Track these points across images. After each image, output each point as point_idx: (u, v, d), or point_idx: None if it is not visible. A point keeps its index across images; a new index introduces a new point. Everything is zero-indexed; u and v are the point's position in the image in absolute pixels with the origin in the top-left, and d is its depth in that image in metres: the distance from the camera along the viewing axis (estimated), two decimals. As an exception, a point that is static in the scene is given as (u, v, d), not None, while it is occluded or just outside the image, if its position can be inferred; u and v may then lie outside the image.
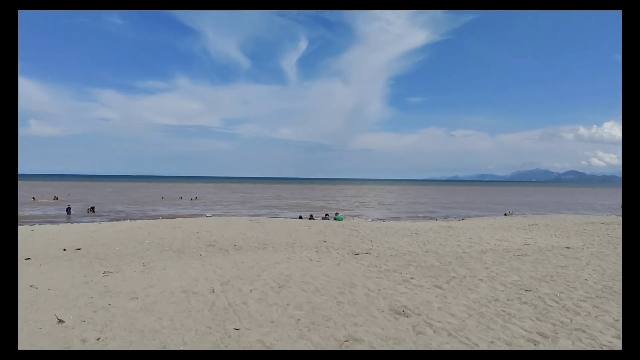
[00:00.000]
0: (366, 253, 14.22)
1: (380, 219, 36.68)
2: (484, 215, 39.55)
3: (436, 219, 33.89)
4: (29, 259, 12.50)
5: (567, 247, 14.92)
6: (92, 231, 18.90)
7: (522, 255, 13.19)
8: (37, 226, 23.20)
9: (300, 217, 33.72)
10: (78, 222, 28.13)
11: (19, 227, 21.29)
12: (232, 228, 20.10)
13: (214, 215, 35.25)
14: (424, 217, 39.24)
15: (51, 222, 28.80)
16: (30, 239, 16.34)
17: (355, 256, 13.58)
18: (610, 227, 21.40)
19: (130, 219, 29.47)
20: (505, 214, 37.95)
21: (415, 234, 19.46)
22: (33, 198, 57.27)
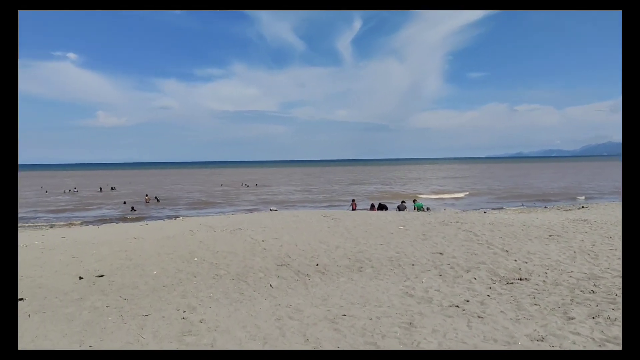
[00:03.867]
0: (519, 279, 9.16)
1: (471, 207, 31.10)
2: (598, 199, 32.88)
3: (546, 207, 27.91)
4: (21, 299, 8.35)
5: None
6: (133, 239, 14.80)
7: None
8: (74, 229, 19.63)
9: (372, 206, 28.76)
10: (127, 222, 24.66)
11: (47, 232, 17.79)
12: (305, 231, 15.45)
13: (278, 209, 30.92)
14: (526, 203, 33.18)
15: (95, 223, 25.53)
16: (46, 256, 12.34)
17: (508, 285, 8.61)
18: None
19: (184, 217, 25.58)
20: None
21: (556, 235, 14.03)
22: (100, 189, 58.41)
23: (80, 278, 9.79)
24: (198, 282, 9.50)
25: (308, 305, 7.69)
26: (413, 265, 10.64)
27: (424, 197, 40.69)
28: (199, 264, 10.99)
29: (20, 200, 43.75)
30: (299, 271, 10.26)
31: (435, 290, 8.52)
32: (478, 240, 13.45)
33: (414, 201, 29.16)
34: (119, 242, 14.11)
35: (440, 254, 11.71)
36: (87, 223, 26.95)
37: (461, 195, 44.80)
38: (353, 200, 32.67)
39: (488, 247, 12.47)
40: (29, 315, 7.39)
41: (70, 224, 27.38)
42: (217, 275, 10.02)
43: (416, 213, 22.62)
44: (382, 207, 28.56)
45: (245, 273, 10.16)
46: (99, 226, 21.70)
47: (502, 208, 30.43)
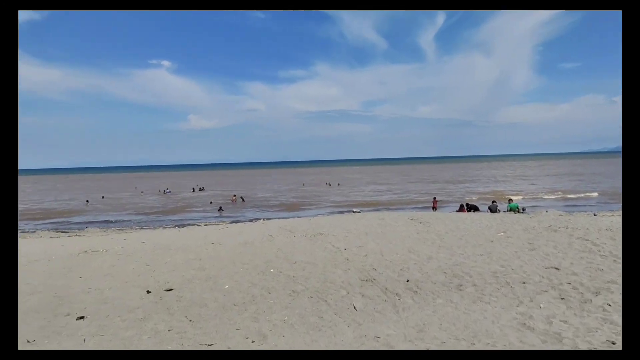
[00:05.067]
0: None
1: (576, 209, 27.85)
2: None
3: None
4: (82, 318, 7.71)
5: None
6: (210, 244, 14.22)
7: None
8: (157, 231, 19.56)
9: (461, 207, 26.62)
10: (209, 224, 24.52)
11: (130, 235, 17.76)
12: (391, 237, 14.02)
13: (361, 210, 29.59)
14: None
15: (182, 223, 25.66)
16: (121, 263, 11.95)
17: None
18: None
19: (264, 220, 25.04)
20: None
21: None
22: (192, 189, 60.98)
23: (148, 292, 9.09)
24: (272, 300, 8.41)
25: (400, 338, 6.29)
26: (524, 283, 8.85)
27: (519, 198, 37.41)
28: (275, 277, 9.95)
29: (115, 202, 46.01)
30: (386, 288, 8.86)
31: (561, 320, 6.78)
32: (599, 251, 11.28)
33: (509, 201, 26.62)
34: (195, 248, 13.52)
35: (556, 269, 9.78)
36: (173, 225, 27.30)
37: (586, 195, 40.39)
38: (434, 199, 30.81)
39: (614, 260, 10.32)
40: (85, 340, 6.65)
41: (151, 227, 27.88)
42: (293, 291, 8.88)
43: (515, 216, 20.28)
44: (471, 208, 26.41)
45: (325, 289, 8.94)
46: (180, 229, 21.63)
47: (614, 210, 26.93)
